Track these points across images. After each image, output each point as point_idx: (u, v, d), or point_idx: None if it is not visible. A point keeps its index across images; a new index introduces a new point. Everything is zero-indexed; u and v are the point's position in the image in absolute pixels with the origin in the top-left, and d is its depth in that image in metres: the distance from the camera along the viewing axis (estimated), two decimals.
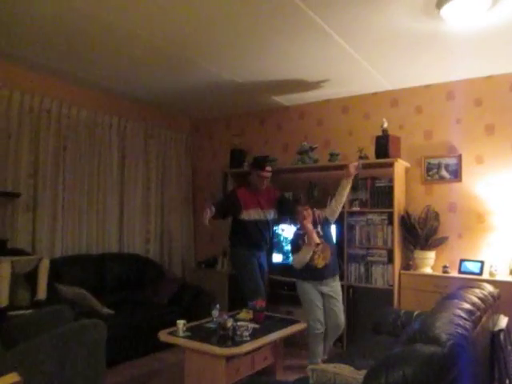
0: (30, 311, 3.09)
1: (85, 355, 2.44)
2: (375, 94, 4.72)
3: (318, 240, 3.55)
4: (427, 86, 4.42)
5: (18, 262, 3.63)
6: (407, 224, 4.14)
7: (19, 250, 3.86)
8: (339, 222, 4.38)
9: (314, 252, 3.55)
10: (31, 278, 3.63)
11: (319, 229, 3.63)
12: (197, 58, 3.86)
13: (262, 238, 4.26)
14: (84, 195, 4.70)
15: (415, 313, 3.15)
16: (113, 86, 4.74)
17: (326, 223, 3.69)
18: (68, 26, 3.29)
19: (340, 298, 3.75)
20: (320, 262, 3.56)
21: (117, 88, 4.82)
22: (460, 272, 3.94)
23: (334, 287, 3.69)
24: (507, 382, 2.52)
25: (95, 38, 3.51)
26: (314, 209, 3.73)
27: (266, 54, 3.77)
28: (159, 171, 5.63)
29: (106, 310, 3.94)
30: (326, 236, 3.64)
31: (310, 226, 3.58)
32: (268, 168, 4.21)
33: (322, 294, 3.66)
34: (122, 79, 4.54)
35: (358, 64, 3.92)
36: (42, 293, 3.58)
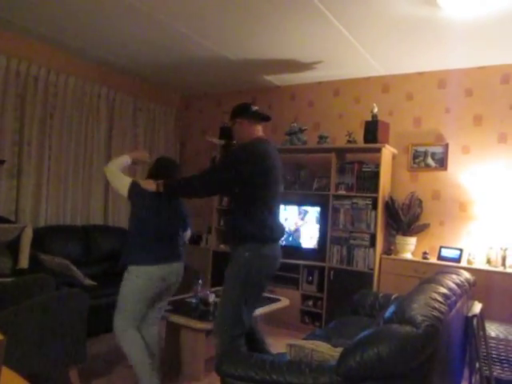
0: (11, 279, 3.08)
1: (65, 324, 2.46)
2: (367, 78, 4.71)
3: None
4: (420, 74, 4.43)
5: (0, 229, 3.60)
6: (391, 209, 4.20)
7: (1, 218, 3.82)
8: (324, 205, 4.43)
9: None
10: (13, 246, 3.60)
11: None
12: (191, 32, 3.79)
13: None
14: (70, 165, 4.64)
15: (393, 296, 3.21)
16: (103, 56, 4.63)
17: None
18: None
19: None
20: None
21: (107, 58, 4.72)
22: (439, 258, 4.03)
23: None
24: (477, 365, 2.62)
25: (84, 6, 3.41)
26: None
27: (260, 32, 3.72)
28: (147, 145, 5.57)
29: (88, 281, 3.93)
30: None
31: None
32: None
33: None
34: (112, 50, 4.44)
35: (353, 47, 3.90)
36: (24, 261, 3.56)
